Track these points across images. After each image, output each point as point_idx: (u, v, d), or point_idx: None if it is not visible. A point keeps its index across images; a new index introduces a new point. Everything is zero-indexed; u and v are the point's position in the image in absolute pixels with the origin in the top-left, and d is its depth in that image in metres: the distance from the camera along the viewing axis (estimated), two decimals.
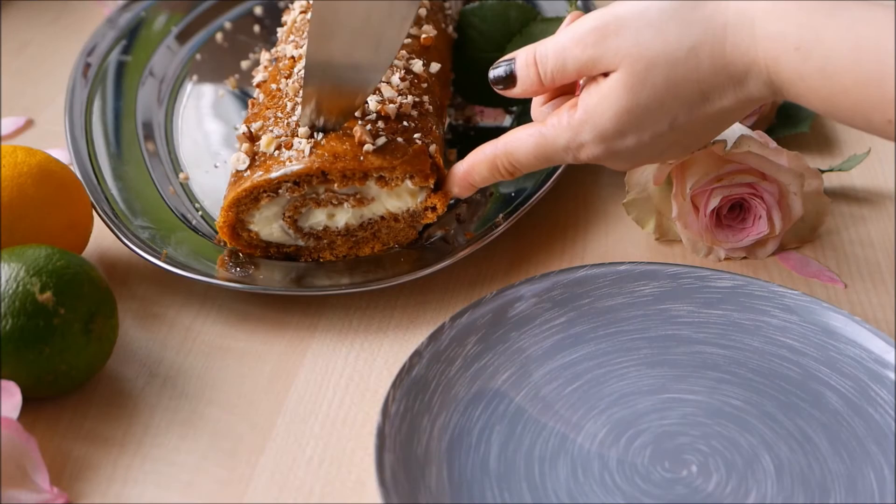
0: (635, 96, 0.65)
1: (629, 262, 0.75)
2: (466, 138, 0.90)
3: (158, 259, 0.76)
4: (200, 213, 0.82)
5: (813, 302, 0.72)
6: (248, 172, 0.75)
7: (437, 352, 0.69)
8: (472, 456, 0.65)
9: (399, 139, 0.75)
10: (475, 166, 0.74)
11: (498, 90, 0.72)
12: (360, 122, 0.75)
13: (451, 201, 0.79)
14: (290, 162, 0.74)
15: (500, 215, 0.79)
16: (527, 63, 0.70)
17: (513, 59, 0.71)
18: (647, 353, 0.71)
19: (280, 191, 0.75)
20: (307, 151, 0.74)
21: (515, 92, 0.71)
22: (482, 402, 0.68)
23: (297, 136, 0.75)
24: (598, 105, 0.67)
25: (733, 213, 0.78)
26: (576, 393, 0.68)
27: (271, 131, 0.76)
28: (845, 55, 0.59)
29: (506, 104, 0.91)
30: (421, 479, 0.62)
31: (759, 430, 0.66)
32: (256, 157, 0.75)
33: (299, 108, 0.76)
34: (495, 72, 0.71)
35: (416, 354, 0.68)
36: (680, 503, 0.62)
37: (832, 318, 0.71)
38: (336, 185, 0.74)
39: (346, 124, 0.75)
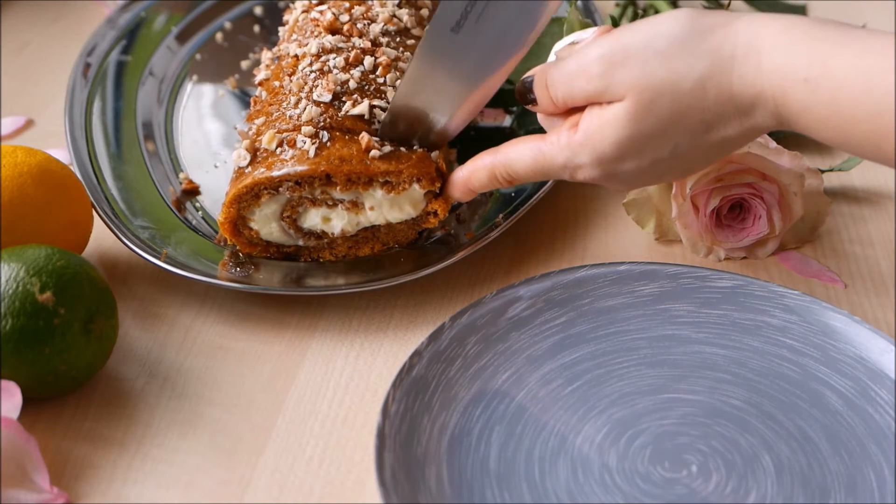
0: (638, 125, 0.65)
1: (629, 262, 0.75)
2: (466, 138, 0.89)
3: (158, 259, 0.76)
4: (200, 212, 0.82)
5: (813, 302, 0.72)
6: (250, 169, 0.75)
7: (437, 352, 0.69)
8: (472, 456, 0.65)
9: (402, 148, 0.75)
10: (475, 173, 0.74)
11: (524, 104, 0.72)
12: (368, 129, 0.76)
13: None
14: (293, 161, 0.74)
15: (500, 215, 0.79)
16: (540, 85, 0.70)
17: (532, 77, 0.71)
18: (647, 353, 0.71)
19: (281, 189, 0.75)
20: (311, 152, 0.74)
21: (538, 110, 0.71)
22: (482, 402, 0.68)
23: (301, 134, 0.75)
24: (599, 130, 0.66)
25: (733, 213, 0.78)
26: (576, 393, 0.68)
27: (274, 128, 0.76)
28: (855, 86, 0.59)
29: (505, 104, 0.91)
30: (421, 479, 0.62)
31: (759, 430, 0.66)
32: (258, 154, 0.75)
33: (303, 103, 0.76)
34: (521, 87, 0.71)
35: (416, 354, 0.68)
36: (680, 503, 0.62)
37: (832, 318, 0.71)
38: (338, 188, 0.74)
39: (350, 130, 0.75)
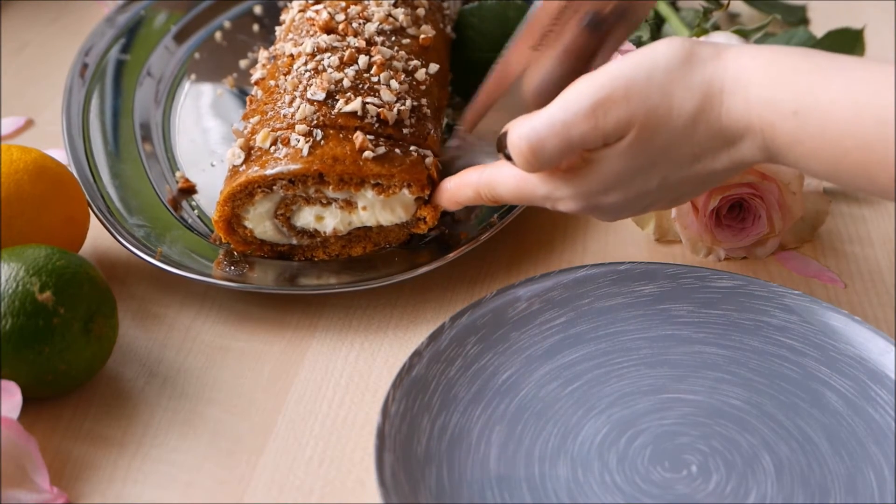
0: (631, 161, 0.64)
1: (629, 262, 0.75)
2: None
3: (153, 257, 0.76)
4: (196, 211, 0.83)
5: (813, 302, 0.72)
6: (244, 167, 0.75)
7: (437, 352, 0.69)
8: (472, 456, 0.65)
9: (396, 150, 0.75)
10: (461, 188, 0.73)
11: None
12: (359, 124, 0.75)
13: None
14: (286, 159, 0.74)
15: (495, 215, 0.79)
16: (518, 146, 0.65)
17: (506, 131, 0.66)
18: (647, 353, 0.71)
19: (274, 187, 0.75)
20: (305, 151, 0.74)
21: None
22: (482, 402, 0.68)
23: (295, 132, 0.75)
24: (586, 165, 0.65)
25: (733, 213, 0.78)
26: (576, 393, 0.68)
27: (268, 126, 0.76)
28: (845, 117, 0.58)
29: None
30: (421, 479, 0.62)
31: (759, 430, 0.66)
32: (252, 152, 0.75)
33: (297, 102, 0.76)
34: (499, 141, 0.67)
35: (416, 354, 0.68)
36: (680, 503, 0.62)
37: (832, 318, 0.71)
38: (331, 188, 0.74)
39: (344, 128, 0.75)
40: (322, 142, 0.74)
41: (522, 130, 0.65)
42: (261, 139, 0.75)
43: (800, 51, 0.62)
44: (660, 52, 0.63)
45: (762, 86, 0.61)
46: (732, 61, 0.62)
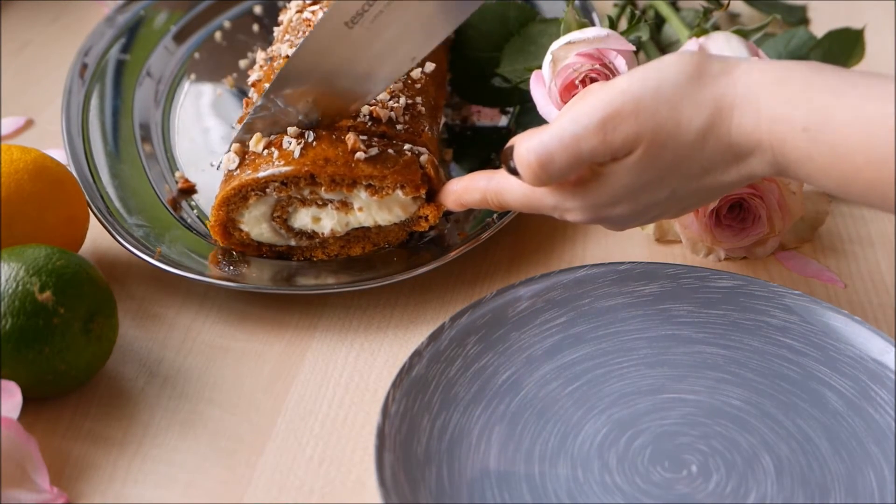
0: (640, 176, 0.64)
1: (629, 262, 0.75)
2: (463, 138, 0.90)
3: (152, 257, 0.76)
4: (196, 211, 0.83)
5: (813, 302, 0.72)
6: (238, 171, 0.75)
7: (437, 352, 0.69)
8: (472, 456, 0.65)
9: (390, 150, 0.75)
10: (468, 191, 0.73)
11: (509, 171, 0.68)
12: (352, 124, 0.75)
13: None
14: (278, 162, 0.74)
15: (494, 215, 0.79)
16: (525, 161, 0.65)
17: (511, 146, 0.66)
18: (647, 353, 0.71)
19: (267, 190, 0.75)
20: (297, 153, 0.74)
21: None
22: (482, 402, 0.68)
23: (287, 135, 0.75)
24: (595, 178, 0.65)
25: (733, 213, 0.78)
26: (576, 393, 0.68)
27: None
28: (856, 134, 0.58)
29: (502, 104, 0.91)
30: (421, 479, 0.62)
31: (759, 430, 0.66)
32: (247, 156, 0.75)
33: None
34: (505, 154, 0.67)
35: (416, 354, 0.68)
36: (680, 503, 0.62)
37: (832, 318, 0.71)
38: (323, 189, 0.74)
39: (337, 129, 0.75)
40: (314, 143, 0.75)
41: (531, 144, 0.65)
42: (254, 143, 0.75)
43: (811, 66, 0.61)
44: (669, 67, 0.63)
45: (773, 102, 0.60)
46: (743, 77, 0.62)
